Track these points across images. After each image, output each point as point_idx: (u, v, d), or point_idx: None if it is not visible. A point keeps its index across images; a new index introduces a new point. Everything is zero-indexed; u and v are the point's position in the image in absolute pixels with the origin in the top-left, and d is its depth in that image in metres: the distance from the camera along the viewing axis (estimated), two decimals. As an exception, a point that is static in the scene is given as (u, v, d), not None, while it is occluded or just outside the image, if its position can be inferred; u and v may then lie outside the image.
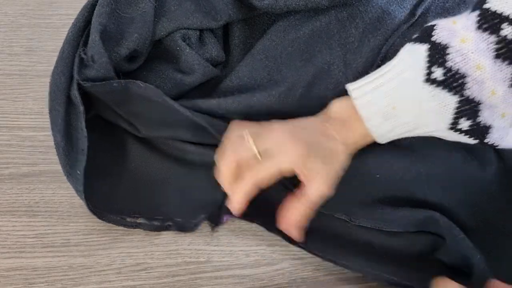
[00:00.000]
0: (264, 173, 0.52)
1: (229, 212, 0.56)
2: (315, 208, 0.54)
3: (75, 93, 0.56)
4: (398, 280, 0.55)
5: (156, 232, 0.58)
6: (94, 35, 0.57)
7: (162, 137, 0.62)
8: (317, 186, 0.53)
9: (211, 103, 0.60)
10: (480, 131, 0.51)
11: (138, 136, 0.62)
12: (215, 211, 0.58)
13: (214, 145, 0.59)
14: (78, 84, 0.57)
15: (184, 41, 0.63)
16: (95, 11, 0.59)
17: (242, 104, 0.60)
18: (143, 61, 0.64)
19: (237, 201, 0.53)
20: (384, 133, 0.55)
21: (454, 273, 0.55)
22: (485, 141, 0.52)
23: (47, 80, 0.72)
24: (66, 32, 0.77)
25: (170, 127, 0.60)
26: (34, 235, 0.57)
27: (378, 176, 0.60)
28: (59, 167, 0.63)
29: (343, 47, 0.63)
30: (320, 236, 0.58)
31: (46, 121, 0.67)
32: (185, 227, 0.58)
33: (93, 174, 0.57)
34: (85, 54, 0.58)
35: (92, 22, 0.59)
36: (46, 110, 0.68)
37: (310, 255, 0.57)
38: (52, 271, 0.55)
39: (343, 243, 0.58)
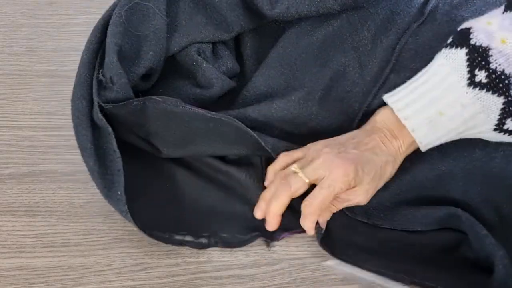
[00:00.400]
0: (320, 200, 0.54)
1: (285, 230, 0.57)
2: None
3: (99, 116, 0.56)
4: (419, 281, 0.54)
5: (156, 232, 0.58)
6: (111, 56, 0.57)
7: (185, 156, 0.62)
8: (358, 199, 0.55)
9: (231, 114, 0.60)
10: None
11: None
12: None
13: (241, 162, 0.61)
14: (100, 106, 0.56)
15: (199, 55, 0.63)
16: (108, 31, 0.59)
17: (262, 112, 0.60)
18: (157, 78, 0.63)
19: (310, 228, 0.55)
20: (431, 141, 0.55)
21: (477, 270, 0.55)
22: None
23: (47, 80, 0.73)
24: (66, 32, 0.77)
25: (190, 143, 0.60)
26: (34, 235, 0.57)
27: (401, 178, 0.60)
28: (58, 167, 0.63)
29: (356, 50, 0.63)
30: (341, 238, 0.58)
31: (46, 121, 0.68)
32: (232, 243, 0.57)
33: (132, 194, 0.56)
34: (103, 76, 0.57)
35: (107, 43, 0.58)
36: (46, 110, 0.69)
37: (310, 255, 0.57)
38: (52, 271, 0.55)
39: (365, 245, 0.58)
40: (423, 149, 0.56)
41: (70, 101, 0.58)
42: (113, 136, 0.56)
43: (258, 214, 0.57)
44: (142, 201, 0.58)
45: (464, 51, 0.52)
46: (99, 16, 0.61)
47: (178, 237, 0.57)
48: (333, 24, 0.64)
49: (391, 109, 0.56)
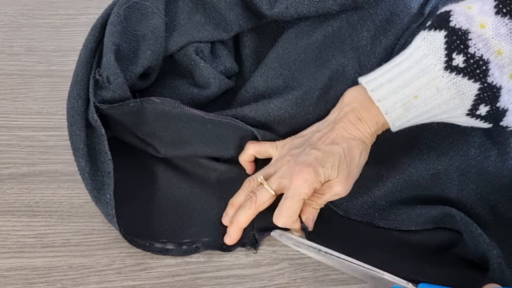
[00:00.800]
0: (286, 211, 0.55)
1: (268, 229, 0.58)
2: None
3: (94, 117, 0.56)
4: (412, 277, 0.54)
5: (156, 232, 0.58)
6: (109, 56, 0.57)
7: (182, 156, 0.62)
8: (335, 191, 0.55)
9: (228, 114, 0.61)
10: (497, 115, 0.51)
11: (159, 157, 0.62)
12: (248, 232, 0.58)
13: (234, 161, 0.61)
14: (95, 107, 0.56)
15: (197, 55, 0.63)
16: (106, 31, 0.59)
17: (259, 112, 0.60)
18: (155, 77, 0.63)
19: (296, 231, 0.57)
20: (402, 123, 0.54)
21: (471, 269, 0.55)
22: (500, 124, 0.52)
23: (47, 80, 0.73)
24: (66, 32, 0.77)
25: (188, 143, 0.60)
26: (34, 235, 0.57)
27: (397, 177, 0.60)
28: (58, 167, 0.63)
29: (356, 50, 0.63)
30: (335, 237, 0.58)
31: (46, 121, 0.68)
32: (214, 246, 0.57)
33: (119, 198, 0.56)
34: (100, 75, 0.57)
35: (104, 42, 0.58)
36: (46, 110, 0.69)
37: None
38: (52, 271, 0.55)
39: (359, 244, 0.58)
40: (394, 130, 0.55)
41: (66, 99, 0.58)
42: (106, 138, 0.56)
43: (225, 220, 0.58)
44: (128, 206, 0.58)
45: (443, 33, 0.50)
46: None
47: (158, 245, 0.56)
48: (333, 24, 0.64)
49: (363, 89, 0.55)
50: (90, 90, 0.57)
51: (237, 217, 0.56)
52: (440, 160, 0.60)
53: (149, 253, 0.56)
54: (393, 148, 0.59)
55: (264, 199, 0.56)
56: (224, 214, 0.59)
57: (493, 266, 0.52)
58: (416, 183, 0.60)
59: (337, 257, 0.54)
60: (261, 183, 0.57)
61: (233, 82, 0.66)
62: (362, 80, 0.55)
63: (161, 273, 0.55)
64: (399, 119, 0.54)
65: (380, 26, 0.63)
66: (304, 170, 0.53)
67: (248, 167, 0.61)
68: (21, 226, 0.58)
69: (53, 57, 0.75)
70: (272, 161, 0.59)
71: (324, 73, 0.62)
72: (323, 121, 0.58)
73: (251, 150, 0.60)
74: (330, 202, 0.58)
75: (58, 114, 0.68)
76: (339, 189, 0.55)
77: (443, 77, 0.50)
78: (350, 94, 0.57)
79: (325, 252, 0.55)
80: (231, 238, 0.57)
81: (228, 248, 0.57)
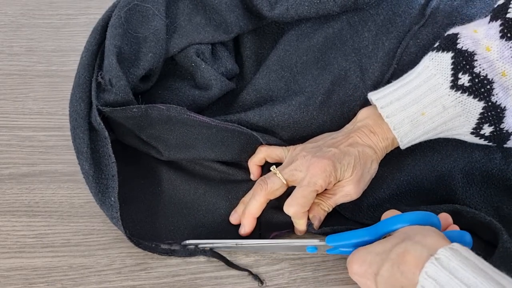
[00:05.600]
0: (300, 197, 0.54)
1: (276, 229, 0.58)
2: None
3: (97, 120, 0.56)
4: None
5: (156, 232, 0.58)
6: (111, 58, 0.57)
7: (186, 159, 0.62)
8: (346, 191, 0.56)
9: (232, 118, 0.60)
10: (501, 137, 0.53)
11: (162, 159, 0.62)
12: (255, 232, 0.58)
13: (237, 164, 0.62)
14: (98, 110, 0.56)
15: (198, 57, 0.63)
16: (107, 33, 0.58)
17: (263, 117, 0.60)
18: (156, 79, 0.63)
19: (300, 226, 0.57)
20: (411, 140, 0.56)
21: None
22: (504, 145, 0.54)
23: (47, 80, 0.73)
24: (66, 32, 0.77)
25: (192, 147, 0.60)
26: (34, 235, 0.57)
27: (401, 179, 0.60)
28: (58, 167, 0.63)
29: (357, 52, 0.63)
30: None
31: (46, 121, 0.68)
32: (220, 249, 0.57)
33: (124, 201, 0.56)
34: (102, 78, 0.57)
35: (106, 45, 0.58)
36: (46, 110, 0.69)
37: (310, 255, 0.57)
38: (52, 271, 0.55)
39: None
40: (403, 147, 0.57)
41: (69, 102, 0.58)
42: (109, 141, 0.56)
43: (233, 218, 0.58)
44: (132, 208, 0.58)
45: (450, 54, 0.53)
46: (99, 16, 0.61)
47: (164, 247, 0.56)
48: (333, 26, 0.64)
49: (374, 106, 0.57)
50: (93, 93, 0.57)
51: (249, 206, 0.56)
52: (444, 162, 0.60)
53: (149, 253, 0.56)
54: (397, 150, 0.59)
55: (275, 187, 0.56)
56: (233, 212, 0.59)
57: (501, 249, 0.51)
58: (420, 184, 0.60)
59: (252, 244, 0.56)
60: (273, 173, 0.56)
61: (234, 84, 0.66)
62: (372, 97, 0.57)
63: (161, 273, 0.55)
64: (407, 135, 0.55)
65: (382, 26, 0.63)
66: (323, 162, 0.54)
67: (255, 171, 0.61)
68: (21, 226, 0.58)
69: (53, 57, 0.75)
70: (285, 161, 0.58)
71: (326, 77, 0.62)
72: (337, 132, 0.59)
73: (262, 154, 0.60)
74: (337, 205, 0.58)
75: (58, 114, 0.68)
76: (350, 189, 0.55)
77: (449, 95, 0.52)
78: (364, 112, 0.59)
79: (240, 244, 0.56)
80: (245, 228, 0.57)
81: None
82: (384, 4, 0.64)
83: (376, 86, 0.62)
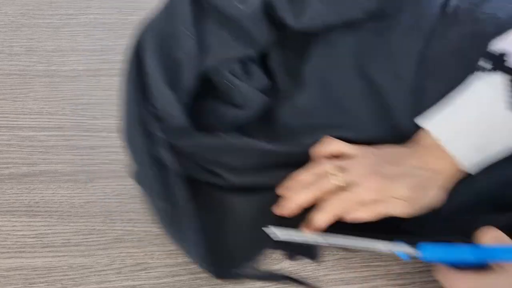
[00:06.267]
0: (346, 204, 0.53)
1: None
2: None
3: (164, 154, 0.55)
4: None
5: (156, 232, 0.58)
6: (162, 87, 0.56)
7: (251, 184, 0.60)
8: (392, 210, 0.53)
9: (293, 145, 0.59)
10: None
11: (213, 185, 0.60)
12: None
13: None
14: (165, 142, 0.55)
15: (231, 74, 0.61)
16: (148, 61, 0.58)
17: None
18: (192, 99, 0.61)
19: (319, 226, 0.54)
20: (480, 166, 0.54)
21: None
22: None
23: (47, 80, 0.73)
24: (66, 32, 0.77)
25: (259, 171, 0.58)
26: (34, 235, 0.57)
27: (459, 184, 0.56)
28: (58, 167, 0.63)
29: (388, 58, 0.61)
30: None
31: (46, 121, 0.67)
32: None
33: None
34: (155, 108, 0.56)
35: (149, 74, 0.57)
36: (46, 110, 0.69)
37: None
38: (52, 271, 0.55)
39: None
40: (474, 173, 0.55)
41: (124, 142, 0.56)
42: (179, 174, 0.55)
43: (279, 189, 0.56)
44: (208, 241, 0.56)
45: (501, 75, 0.52)
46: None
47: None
48: (360, 33, 0.62)
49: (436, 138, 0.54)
50: (152, 125, 0.56)
51: (296, 195, 0.54)
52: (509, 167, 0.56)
53: (149, 253, 0.56)
54: None
55: (329, 189, 0.54)
56: (282, 186, 0.56)
57: None
58: (479, 190, 0.56)
59: (341, 238, 0.54)
60: (331, 174, 0.54)
61: (269, 98, 0.63)
62: (430, 129, 0.54)
63: (161, 273, 0.55)
64: (476, 165, 0.54)
65: (409, 30, 0.62)
66: (377, 178, 0.52)
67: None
68: (21, 226, 0.58)
69: (53, 57, 0.75)
70: (351, 147, 0.56)
71: (365, 91, 0.61)
72: (402, 147, 0.57)
73: (333, 147, 0.57)
74: None
75: (58, 114, 0.68)
76: (399, 210, 0.53)
77: (508, 116, 0.51)
78: (425, 136, 0.55)
79: (330, 238, 0.54)
80: (282, 208, 0.55)
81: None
82: (407, 7, 0.62)
83: (413, 92, 0.59)
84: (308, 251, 0.57)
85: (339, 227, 0.54)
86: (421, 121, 0.55)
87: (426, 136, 0.55)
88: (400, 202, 0.52)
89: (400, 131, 0.58)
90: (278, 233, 0.54)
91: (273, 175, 0.58)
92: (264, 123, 0.64)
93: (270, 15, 0.63)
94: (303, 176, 0.55)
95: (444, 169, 0.54)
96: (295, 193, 0.54)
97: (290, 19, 0.62)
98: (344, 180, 0.53)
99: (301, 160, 0.57)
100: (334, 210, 0.53)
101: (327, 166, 0.55)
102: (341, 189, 0.53)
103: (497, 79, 0.52)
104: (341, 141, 0.57)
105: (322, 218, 0.53)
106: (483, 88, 0.53)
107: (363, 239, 0.53)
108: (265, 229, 0.54)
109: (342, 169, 0.54)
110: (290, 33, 0.65)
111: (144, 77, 0.58)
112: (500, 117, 0.52)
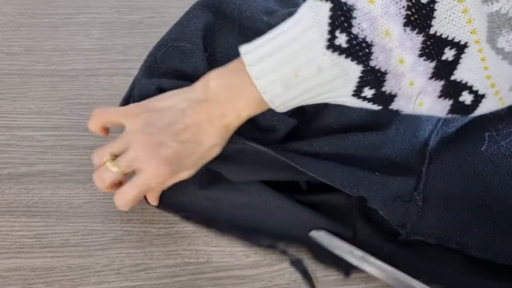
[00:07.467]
0: (131, 197, 0.54)
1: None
2: None
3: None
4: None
5: (155, 233, 0.58)
6: (146, 94, 0.57)
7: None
8: (178, 178, 0.55)
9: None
10: (384, 99, 0.48)
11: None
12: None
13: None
14: None
15: None
16: (141, 75, 0.59)
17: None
18: None
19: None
20: (282, 103, 0.50)
21: None
22: (389, 107, 0.48)
23: (46, 79, 0.73)
24: (65, 32, 0.77)
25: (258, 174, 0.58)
26: (32, 235, 0.57)
27: (487, 201, 0.55)
28: (57, 167, 0.63)
29: None
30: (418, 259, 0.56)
31: (45, 121, 0.67)
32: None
33: None
34: None
35: (139, 88, 0.59)
36: (45, 110, 0.69)
37: (309, 255, 0.56)
38: (51, 272, 0.55)
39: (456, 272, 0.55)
40: (277, 110, 0.51)
41: None
42: None
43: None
44: None
45: (328, 5, 0.45)
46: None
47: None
48: None
49: (239, 63, 0.50)
50: None
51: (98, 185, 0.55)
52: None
53: (148, 253, 0.56)
54: (481, 167, 0.55)
55: (111, 180, 0.54)
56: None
57: None
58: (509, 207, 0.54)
59: (372, 262, 0.54)
60: (107, 164, 0.54)
61: (295, 120, 0.59)
62: (241, 49, 0.50)
63: (161, 273, 0.55)
64: (278, 98, 0.50)
65: None
66: (161, 166, 0.52)
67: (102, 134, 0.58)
68: (19, 227, 0.58)
69: (52, 57, 0.75)
70: (122, 113, 0.55)
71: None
72: (188, 92, 0.54)
73: (100, 121, 0.57)
74: (420, 232, 0.54)
75: (57, 114, 0.68)
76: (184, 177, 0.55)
77: (325, 55, 0.46)
78: (216, 77, 0.53)
79: (369, 260, 0.54)
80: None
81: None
82: None
83: None
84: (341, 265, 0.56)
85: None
86: (241, 47, 0.50)
87: (237, 62, 0.51)
88: (184, 176, 0.54)
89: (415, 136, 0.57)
90: (322, 235, 0.56)
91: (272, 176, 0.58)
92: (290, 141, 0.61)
93: None
94: (93, 162, 0.56)
95: (227, 124, 0.53)
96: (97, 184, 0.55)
97: None
98: (123, 166, 0.53)
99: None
100: (126, 205, 0.54)
101: (103, 158, 0.55)
102: (124, 173, 0.54)
103: (324, 8, 0.45)
104: (107, 110, 0.56)
105: (124, 208, 0.55)
106: (308, 15, 0.46)
107: (398, 272, 0.52)
108: (313, 232, 0.56)
109: (117, 152, 0.54)
110: None
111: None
112: (317, 55, 0.46)
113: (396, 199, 0.54)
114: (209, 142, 0.53)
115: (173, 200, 0.59)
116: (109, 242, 0.57)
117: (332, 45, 0.45)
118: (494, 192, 0.54)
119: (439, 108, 0.48)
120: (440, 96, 0.47)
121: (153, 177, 0.53)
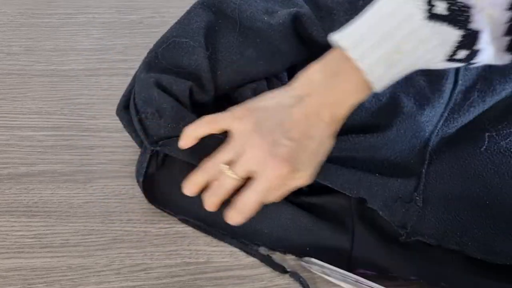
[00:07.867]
0: (254, 204, 0.51)
1: (363, 266, 0.56)
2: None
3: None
4: None
5: (155, 233, 0.58)
6: (151, 91, 0.57)
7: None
8: (297, 183, 0.51)
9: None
10: (471, 56, 0.47)
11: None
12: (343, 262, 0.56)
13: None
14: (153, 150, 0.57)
15: (256, 95, 0.58)
16: (142, 70, 0.59)
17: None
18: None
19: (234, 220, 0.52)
20: (385, 82, 0.49)
21: None
22: (471, 62, 0.48)
23: (46, 79, 0.73)
24: (65, 32, 0.77)
25: None
26: (33, 235, 0.57)
27: (487, 201, 0.55)
28: (57, 167, 0.63)
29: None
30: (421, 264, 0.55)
31: (44, 121, 0.67)
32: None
33: None
34: (145, 113, 0.57)
35: (139, 82, 0.59)
36: (45, 110, 0.69)
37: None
38: (51, 272, 0.55)
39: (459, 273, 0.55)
40: (378, 90, 0.50)
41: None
42: None
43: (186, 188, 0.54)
44: None
45: None
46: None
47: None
48: None
49: (335, 52, 0.49)
50: (142, 136, 0.57)
51: (209, 201, 0.52)
52: None
53: (148, 253, 0.56)
54: (482, 167, 0.55)
55: (231, 187, 0.51)
56: (186, 184, 0.54)
57: None
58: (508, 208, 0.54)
59: (366, 285, 0.53)
60: (224, 171, 0.52)
61: None
62: (335, 37, 0.49)
63: (161, 273, 0.55)
64: (381, 78, 0.49)
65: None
66: (281, 165, 0.49)
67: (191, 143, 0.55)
68: (20, 227, 0.58)
69: (52, 57, 0.75)
70: (228, 119, 0.53)
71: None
72: (288, 94, 0.52)
73: (206, 129, 0.54)
74: (420, 233, 0.54)
75: (57, 114, 0.68)
76: (303, 181, 0.52)
77: (425, 26, 0.46)
78: (313, 69, 0.51)
79: (354, 280, 0.54)
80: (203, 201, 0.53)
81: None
82: None
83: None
84: None
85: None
86: (332, 34, 0.50)
87: (315, 70, 0.51)
88: (304, 176, 0.51)
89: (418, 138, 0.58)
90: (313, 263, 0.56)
91: None
92: None
93: (299, 31, 0.62)
94: (200, 178, 0.53)
95: (334, 115, 0.51)
96: (206, 199, 0.52)
97: (318, 35, 0.60)
98: (240, 171, 0.51)
99: None
100: (248, 213, 0.51)
101: (217, 164, 0.52)
102: (242, 180, 0.51)
103: None
104: (211, 117, 0.53)
105: (245, 218, 0.52)
106: None
107: None
108: (304, 260, 0.56)
109: (233, 159, 0.51)
110: (318, 49, 0.62)
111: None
112: (416, 27, 0.46)
113: (397, 200, 0.54)
114: (320, 135, 0.51)
115: (173, 203, 0.59)
116: (109, 242, 0.57)
117: (431, 15, 0.45)
118: (494, 192, 0.55)
119: None
120: None
121: (273, 178, 0.50)
